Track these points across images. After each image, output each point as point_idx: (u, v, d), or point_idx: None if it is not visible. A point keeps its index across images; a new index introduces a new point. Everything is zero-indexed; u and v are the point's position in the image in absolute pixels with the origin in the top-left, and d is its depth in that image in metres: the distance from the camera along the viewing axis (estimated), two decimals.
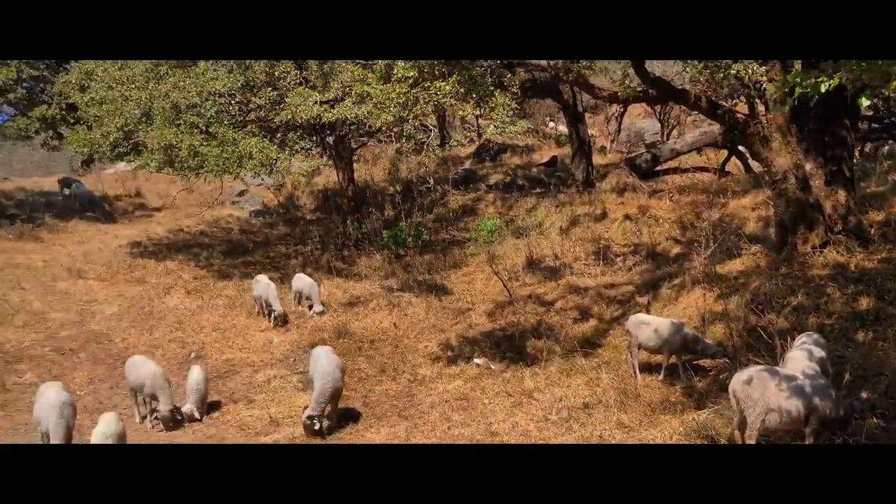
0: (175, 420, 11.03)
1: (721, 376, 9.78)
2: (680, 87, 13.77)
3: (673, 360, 10.96)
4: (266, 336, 15.11)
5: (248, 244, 21.45)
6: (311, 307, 15.91)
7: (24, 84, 25.08)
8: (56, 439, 9.00)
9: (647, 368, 11.36)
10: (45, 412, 9.26)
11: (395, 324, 15.26)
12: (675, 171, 20.49)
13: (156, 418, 11.06)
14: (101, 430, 8.81)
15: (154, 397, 11.05)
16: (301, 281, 16.40)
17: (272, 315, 15.38)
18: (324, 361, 10.60)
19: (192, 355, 14.33)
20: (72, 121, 25.33)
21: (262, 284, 15.65)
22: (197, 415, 11.25)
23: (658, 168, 20.79)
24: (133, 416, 11.36)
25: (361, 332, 14.98)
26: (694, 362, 10.68)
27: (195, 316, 16.10)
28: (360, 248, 19.92)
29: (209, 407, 11.67)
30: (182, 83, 17.28)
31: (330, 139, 20.57)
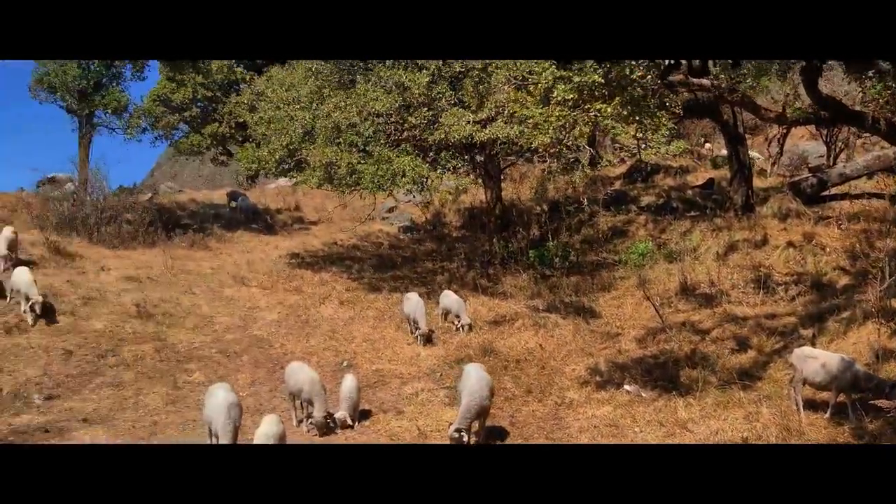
0: (328, 426, 11.45)
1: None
2: (853, 109, 12.91)
3: (841, 398, 10.24)
4: (413, 349, 15.45)
5: (396, 259, 22.07)
6: (458, 320, 16.12)
7: (199, 103, 27.20)
8: (224, 439, 9.58)
9: (812, 406, 10.68)
10: (215, 412, 9.87)
11: (541, 345, 15.19)
12: (843, 196, 19.18)
13: (311, 423, 11.51)
14: (264, 431, 9.28)
15: (310, 402, 11.52)
16: (448, 298, 16.65)
17: (417, 333, 15.65)
18: (474, 378, 10.71)
19: (345, 364, 14.88)
20: (240, 138, 27.24)
21: (413, 302, 15.96)
22: (349, 422, 11.64)
23: (825, 193, 19.56)
24: (290, 418, 11.91)
25: (507, 351, 15.00)
26: (869, 402, 9.95)
27: (347, 326, 16.72)
28: (505, 266, 20.00)
29: (360, 415, 12.05)
30: (343, 104, 18.11)
31: (479, 158, 20.85)
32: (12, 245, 17.84)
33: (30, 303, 14.92)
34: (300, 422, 11.92)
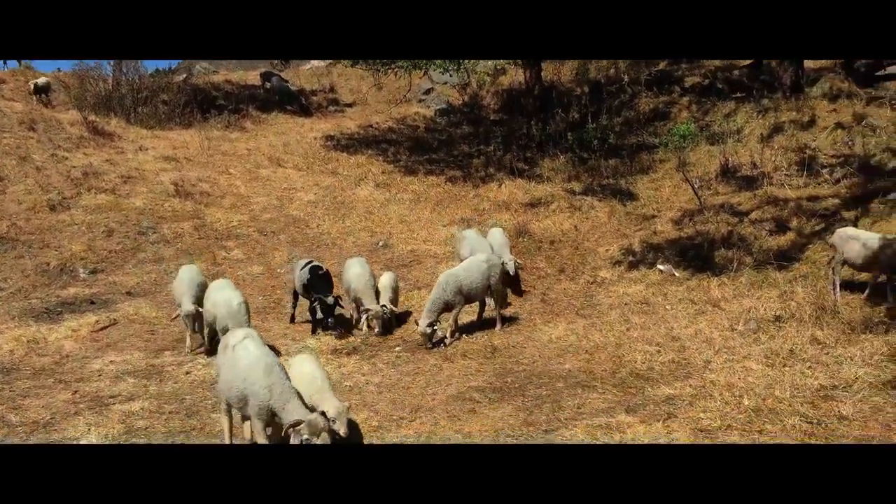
0: (384, 318, 10.72)
1: None
2: None
3: (882, 278, 10.05)
4: (448, 231, 15.50)
5: (432, 142, 21.85)
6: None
7: None
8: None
9: (850, 286, 10.54)
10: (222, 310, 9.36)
11: (576, 226, 15.13)
12: None
13: (367, 317, 10.79)
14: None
15: (359, 301, 10.92)
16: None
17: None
18: (454, 269, 10.69)
19: (381, 244, 15.03)
20: None
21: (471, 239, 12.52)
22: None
23: (879, 73, 18.59)
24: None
25: (541, 233, 15.00)
26: None
27: (383, 208, 16.79)
28: (543, 149, 19.69)
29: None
30: None
31: None
32: None
33: None
34: (356, 322, 11.25)
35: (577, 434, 7.10)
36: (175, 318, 10.37)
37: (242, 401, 6.25)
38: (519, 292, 12.35)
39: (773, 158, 15.59)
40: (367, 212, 16.57)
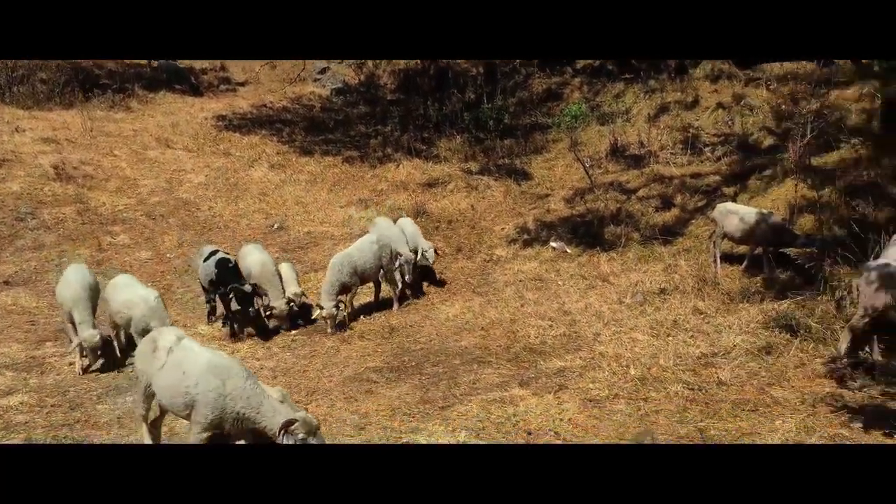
0: (291, 312, 10.17)
1: (806, 266, 9.49)
2: None
3: (758, 251, 10.64)
4: (346, 212, 15.36)
5: (329, 122, 21.50)
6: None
7: None
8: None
9: (729, 259, 11.10)
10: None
11: (472, 206, 15.28)
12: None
13: (268, 315, 10.09)
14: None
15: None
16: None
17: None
18: (343, 252, 10.62)
19: (276, 226, 14.74)
20: None
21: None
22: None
23: None
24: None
25: (439, 213, 15.07)
26: (779, 251, 10.39)
27: (278, 189, 16.45)
28: (440, 130, 19.73)
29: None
30: None
31: None
32: None
33: None
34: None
35: (472, 409, 7.21)
36: (73, 350, 8.77)
37: (190, 408, 5.71)
38: (439, 282, 11.90)
39: (659, 138, 16.17)
40: (262, 193, 16.19)
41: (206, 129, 19.92)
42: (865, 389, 7.11)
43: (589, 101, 19.14)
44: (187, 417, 5.88)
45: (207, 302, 10.49)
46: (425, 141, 19.40)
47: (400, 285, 10.94)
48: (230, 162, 17.81)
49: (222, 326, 10.13)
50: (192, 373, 5.69)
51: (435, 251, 11.62)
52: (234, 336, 9.72)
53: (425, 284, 11.78)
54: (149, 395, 6.21)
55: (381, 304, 10.99)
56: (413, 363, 8.70)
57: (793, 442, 6.17)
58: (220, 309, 10.44)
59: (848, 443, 6.07)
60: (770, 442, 6.19)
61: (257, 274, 10.09)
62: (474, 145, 18.63)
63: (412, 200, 15.60)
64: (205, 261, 10.18)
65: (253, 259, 10.32)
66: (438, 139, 19.26)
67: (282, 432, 5.46)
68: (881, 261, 7.69)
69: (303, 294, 10.51)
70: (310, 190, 16.51)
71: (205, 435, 5.67)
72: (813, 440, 6.16)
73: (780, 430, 6.36)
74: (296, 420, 5.47)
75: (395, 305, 10.77)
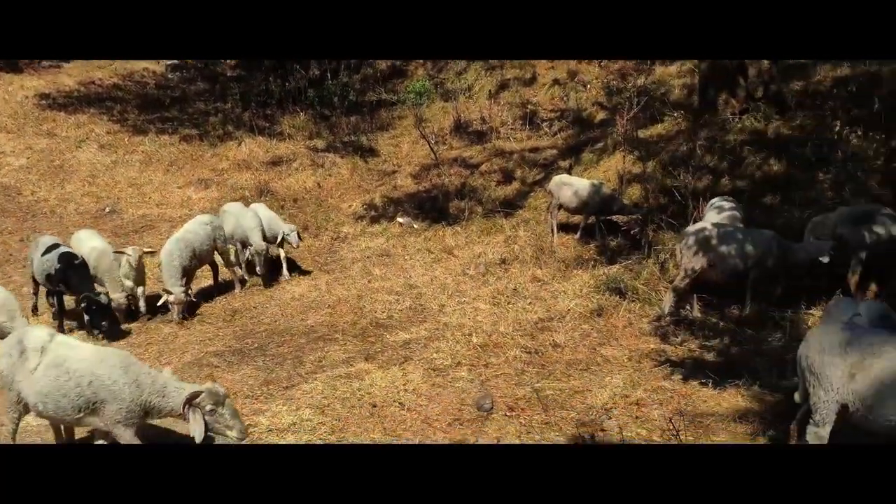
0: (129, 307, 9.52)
1: (632, 232, 10.09)
2: None
3: (591, 220, 11.19)
4: (185, 193, 14.74)
5: (164, 100, 20.45)
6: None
7: None
8: None
9: (566, 228, 11.61)
10: None
11: (319, 183, 15.09)
12: None
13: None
14: None
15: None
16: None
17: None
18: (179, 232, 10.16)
19: (108, 210, 13.92)
20: None
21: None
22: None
23: None
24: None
25: (285, 192, 14.78)
26: (608, 219, 11.00)
27: (109, 171, 15.52)
28: (283, 107, 19.28)
29: None
30: None
31: None
32: None
33: None
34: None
35: (317, 386, 7.17)
36: None
37: (89, 411, 5.20)
38: (299, 269, 11.38)
39: (500, 114, 16.59)
40: (91, 176, 15.21)
41: (27, 108, 18.44)
42: (685, 344, 7.67)
43: (433, 77, 19.33)
44: (77, 423, 5.44)
45: (49, 300, 9.55)
46: (268, 118, 18.90)
47: (243, 272, 10.69)
48: (55, 143, 16.60)
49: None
50: (81, 371, 5.23)
51: (298, 234, 11.02)
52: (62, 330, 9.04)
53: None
54: (20, 405, 5.55)
55: (222, 287, 10.65)
56: (256, 345, 8.52)
57: (620, 395, 6.59)
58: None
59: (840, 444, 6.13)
60: (600, 398, 6.57)
61: (94, 263, 9.21)
62: (319, 122, 18.35)
63: (256, 179, 15.20)
64: (43, 254, 9.04)
65: (90, 246, 9.45)
66: (282, 116, 18.82)
67: (186, 406, 5.21)
68: (699, 225, 8.33)
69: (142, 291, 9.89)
70: (144, 171, 15.69)
71: (131, 431, 5.29)
72: (638, 393, 6.59)
73: (608, 386, 6.76)
74: (201, 392, 5.24)
75: (237, 287, 10.48)
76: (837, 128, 10.61)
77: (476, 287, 9.75)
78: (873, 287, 8.08)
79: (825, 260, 7.62)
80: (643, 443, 5.75)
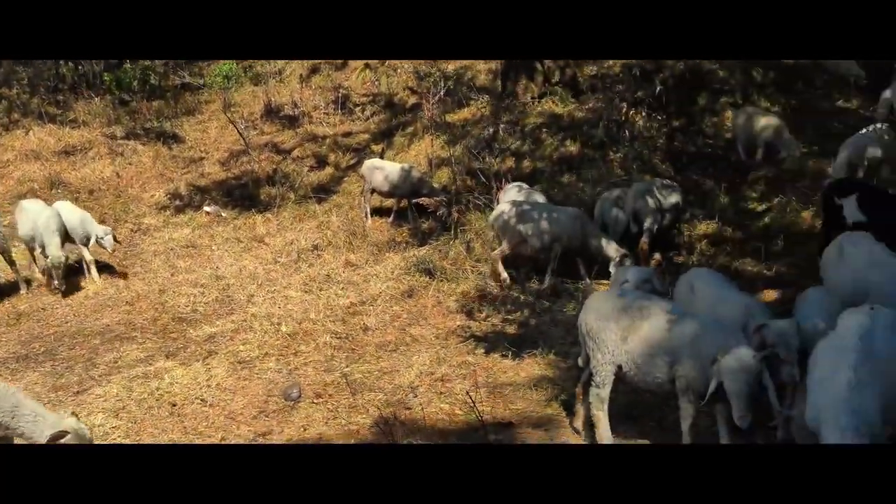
0: None
1: (438, 213, 10.33)
2: None
3: (403, 203, 11.31)
4: None
5: None
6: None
7: None
8: None
9: (380, 212, 11.66)
10: None
11: (117, 173, 14.16)
12: None
13: None
14: None
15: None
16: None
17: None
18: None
19: None
20: None
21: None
22: None
23: None
24: None
25: (79, 183, 13.76)
26: (418, 202, 11.20)
27: None
28: (76, 92, 17.85)
29: None
30: None
31: None
32: None
33: None
34: None
35: (111, 389, 6.76)
36: None
37: None
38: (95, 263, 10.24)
39: (312, 98, 16.33)
40: None
41: None
42: (489, 319, 7.96)
43: (240, 61, 18.65)
44: None
45: None
46: (60, 104, 17.42)
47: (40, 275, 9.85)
48: None
49: None
50: None
51: (114, 237, 10.12)
52: None
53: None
54: None
55: (5, 289, 9.75)
56: (44, 349, 7.89)
57: (426, 373, 6.73)
58: None
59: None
60: (407, 377, 6.68)
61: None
62: (118, 108, 17.16)
63: (46, 171, 14.00)
64: None
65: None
66: (75, 102, 17.41)
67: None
68: (506, 204, 8.74)
69: None
70: None
71: None
72: (443, 370, 6.77)
73: (415, 365, 6.89)
74: (66, 433, 4.71)
75: (23, 288, 9.62)
76: (624, 109, 11.40)
77: (287, 275, 9.58)
78: (657, 255, 8.77)
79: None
80: (446, 417, 5.91)
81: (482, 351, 7.15)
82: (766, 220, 9.30)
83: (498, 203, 9.51)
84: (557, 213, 8.58)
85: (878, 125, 9.62)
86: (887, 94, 11.00)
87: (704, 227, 9.51)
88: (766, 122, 10.67)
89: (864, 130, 9.49)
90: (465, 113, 13.26)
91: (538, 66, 12.39)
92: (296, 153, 14.25)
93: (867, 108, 12.10)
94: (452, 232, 9.85)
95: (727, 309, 5.38)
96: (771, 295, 7.69)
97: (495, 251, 8.74)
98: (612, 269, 7.86)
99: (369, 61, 17.04)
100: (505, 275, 8.63)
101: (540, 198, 9.34)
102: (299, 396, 6.52)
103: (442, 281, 8.84)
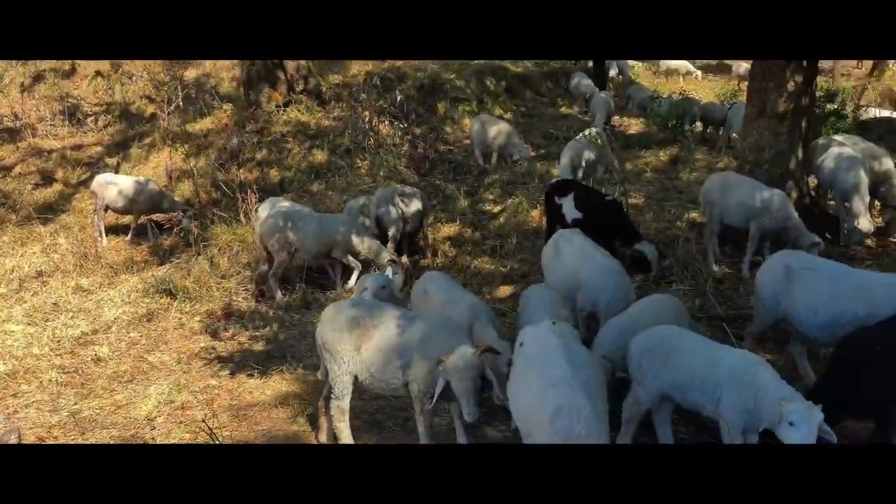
0: None
1: (176, 229, 9.88)
2: None
3: (142, 219, 10.66)
4: None
5: None
6: None
7: None
8: None
9: (117, 230, 10.91)
10: None
11: None
12: None
13: None
14: None
15: None
16: None
17: None
18: None
19: None
20: None
21: None
22: None
23: None
24: None
25: None
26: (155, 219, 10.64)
27: None
28: None
29: None
30: None
31: None
32: None
33: None
34: None
35: None
36: None
37: None
38: None
39: (36, 109, 14.89)
40: None
41: None
42: (236, 337, 7.72)
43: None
44: None
45: None
46: None
47: None
48: None
49: None
50: None
51: None
52: None
53: None
54: None
55: None
56: None
57: (165, 402, 6.37)
58: None
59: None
60: (144, 409, 6.28)
61: None
62: None
63: None
64: None
65: None
66: None
67: None
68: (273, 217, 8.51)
69: None
70: None
71: None
72: (184, 396, 6.44)
73: (154, 395, 6.49)
74: None
75: None
76: (368, 117, 11.63)
77: (7, 307, 8.61)
78: (405, 259, 9.03)
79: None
80: (184, 444, 5.65)
81: (227, 372, 6.91)
82: (501, 220, 9.93)
83: (252, 217, 9.26)
84: (325, 220, 8.53)
85: (591, 130, 10.68)
86: (603, 94, 12.30)
87: (447, 229, 9.96)
88: (497, 128, 11.43)
89: (579, 136, 10.50)
90: (207, 122, 12.80)
91: (281, 75, 12.27)
92: (18, 170, 12.95)
93: (585, 113, 13.42)
94: (195, 248, 9.44)
95: (456, 310, 5.69)
96: (505, 291, 8.25)
97: (268, 269, 8.39)
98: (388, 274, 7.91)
99: (100, 69, 15.89)
100: (280, 294, 8.37)
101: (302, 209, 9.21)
102: (19, 442, 5.89)
103: (184, 301, 8.42)
